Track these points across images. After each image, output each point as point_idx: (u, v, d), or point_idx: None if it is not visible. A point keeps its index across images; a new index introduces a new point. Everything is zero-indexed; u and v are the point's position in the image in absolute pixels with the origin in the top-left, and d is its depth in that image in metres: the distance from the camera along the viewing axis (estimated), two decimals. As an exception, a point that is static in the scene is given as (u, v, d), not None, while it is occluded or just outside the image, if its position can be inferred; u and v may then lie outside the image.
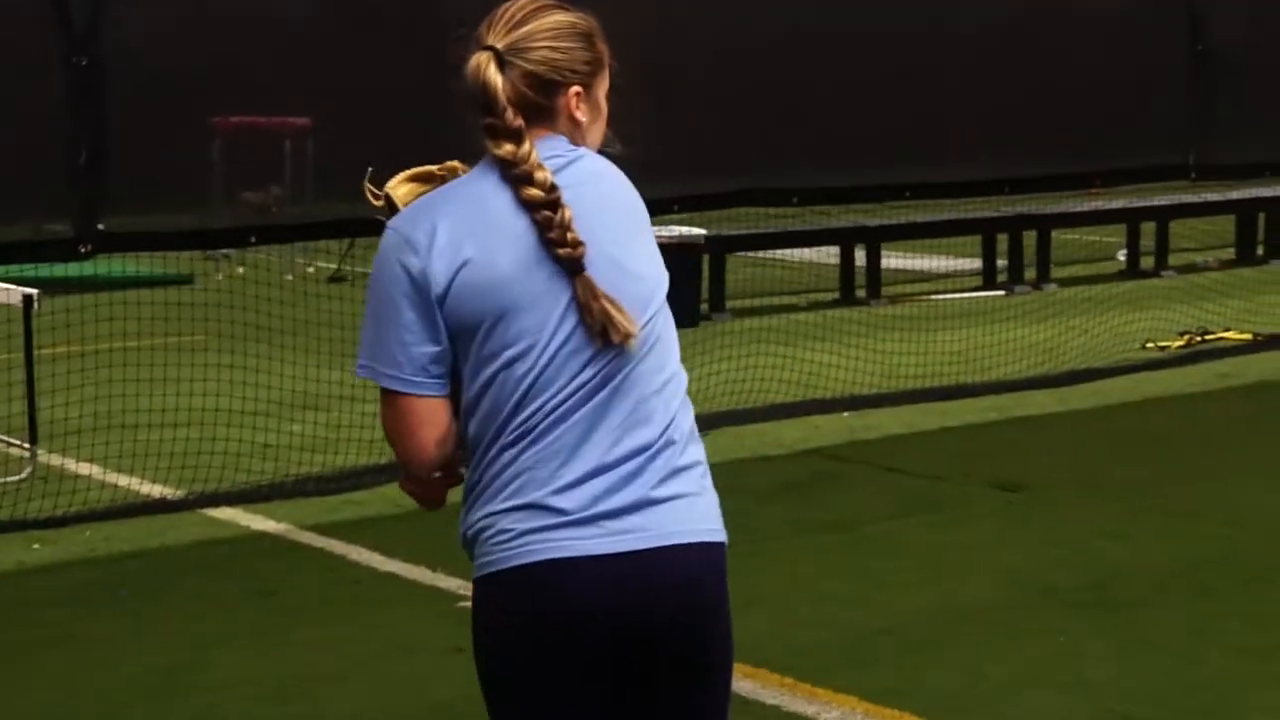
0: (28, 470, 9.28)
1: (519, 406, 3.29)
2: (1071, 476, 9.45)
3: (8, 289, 9.48)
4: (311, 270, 16.91)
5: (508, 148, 3.34)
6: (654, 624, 3.32)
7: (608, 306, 3.29)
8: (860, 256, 15.12)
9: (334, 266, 16.65)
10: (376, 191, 3.60)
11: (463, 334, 3.32)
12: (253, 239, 9.44)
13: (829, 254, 15.22)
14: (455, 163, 3.60)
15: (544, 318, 3.29)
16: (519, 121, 3.36)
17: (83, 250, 8.38)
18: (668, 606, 3.33)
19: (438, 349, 3.32)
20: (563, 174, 3.36)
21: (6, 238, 8.64)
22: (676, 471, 3.36)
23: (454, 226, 3.31)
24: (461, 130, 3.47)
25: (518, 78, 3.37)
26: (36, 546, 8.27)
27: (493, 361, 3.30)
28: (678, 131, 10.04)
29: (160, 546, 8.30)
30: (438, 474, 3.44)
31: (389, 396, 3.36)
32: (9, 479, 9.20)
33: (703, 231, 13.85)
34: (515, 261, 3.30)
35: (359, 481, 9.22)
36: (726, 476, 9.15)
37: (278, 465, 9.56)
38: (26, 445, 9.41)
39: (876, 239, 14.91)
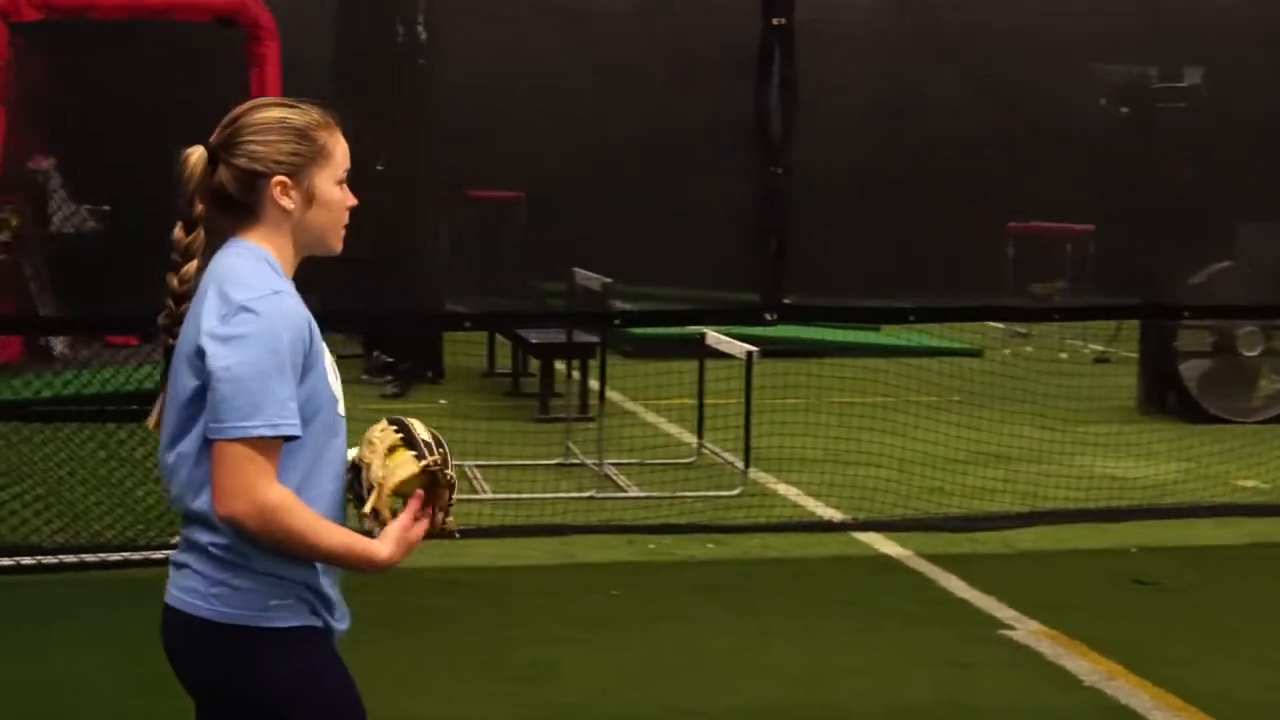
0: (739, 488, 10.27)
1: None
2: None
3: (737, 345, 10.56)
4: (1087, 351, 16.90)
5: (178, 233, 3.34)
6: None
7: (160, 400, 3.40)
8: None
9: (1101, 348, 16.61)
10: None
11: None
12: (912, 317, 10.07)
13: None
14: None
15: None
16: (199, 210, 3.32)
17: (768, 318, 9.29)
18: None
19: None
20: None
21: (711, 305, 9.76)
22: (187, 545, 3.35)
23: None
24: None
25: (228, 177, 3.31)
26: (710, 546, 9.08)
27: None
28: None
29: (790, 557, 8.82)
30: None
31: None
32: (724, 493, 10.24)
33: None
34: None
35: (989, 525, 9.52)
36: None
37: (935, 505, 9.91)
38: (741, 466, 10.47)
39: None
